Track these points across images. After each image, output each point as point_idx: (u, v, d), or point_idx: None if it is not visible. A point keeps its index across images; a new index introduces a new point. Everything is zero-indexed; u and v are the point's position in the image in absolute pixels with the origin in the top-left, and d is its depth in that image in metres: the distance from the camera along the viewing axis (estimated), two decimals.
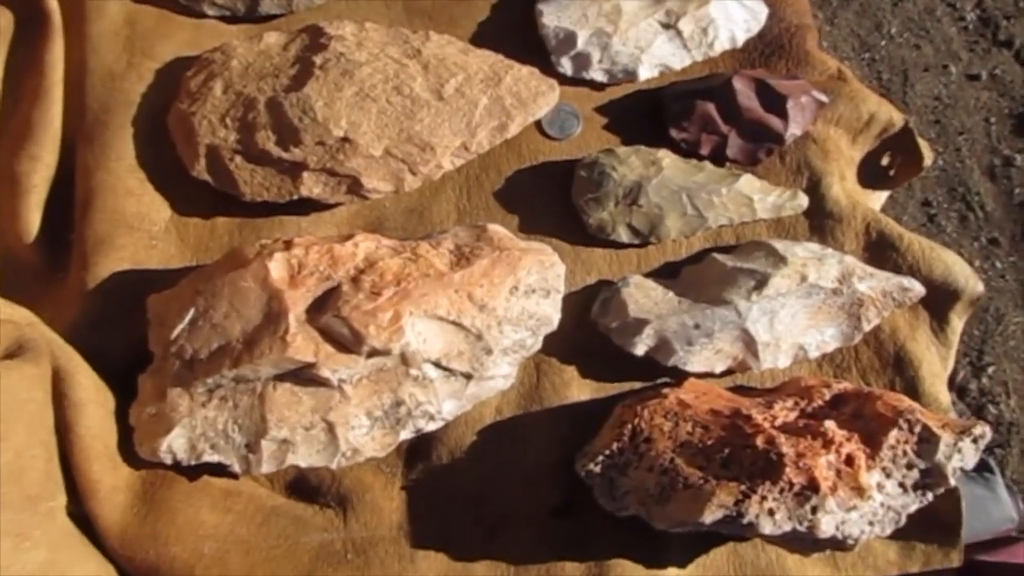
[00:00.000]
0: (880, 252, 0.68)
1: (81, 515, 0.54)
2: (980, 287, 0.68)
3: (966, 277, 0.68)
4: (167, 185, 0.65)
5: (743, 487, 0.53)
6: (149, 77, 0.67)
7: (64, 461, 0.53)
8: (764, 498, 0.53)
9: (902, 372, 0.67)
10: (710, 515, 0.52)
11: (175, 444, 0.54)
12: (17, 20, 0.67)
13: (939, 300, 0.68)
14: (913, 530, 0.58)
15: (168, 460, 0.54)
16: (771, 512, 0.52)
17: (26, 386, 0.50)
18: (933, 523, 0.62)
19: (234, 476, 0.57)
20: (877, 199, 0.75)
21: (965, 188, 1.36)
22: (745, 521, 0.52)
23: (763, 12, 0.74)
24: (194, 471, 0.57)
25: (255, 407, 0.54)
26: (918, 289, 0.65)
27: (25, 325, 0.54)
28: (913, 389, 0.66)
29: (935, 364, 0.67)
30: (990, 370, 1.26)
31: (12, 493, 0.48)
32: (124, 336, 0.60)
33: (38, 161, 0.63)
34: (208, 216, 0.65)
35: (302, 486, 0.60)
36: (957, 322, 0.68)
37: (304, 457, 0.55)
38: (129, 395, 0.57)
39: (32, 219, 0.63)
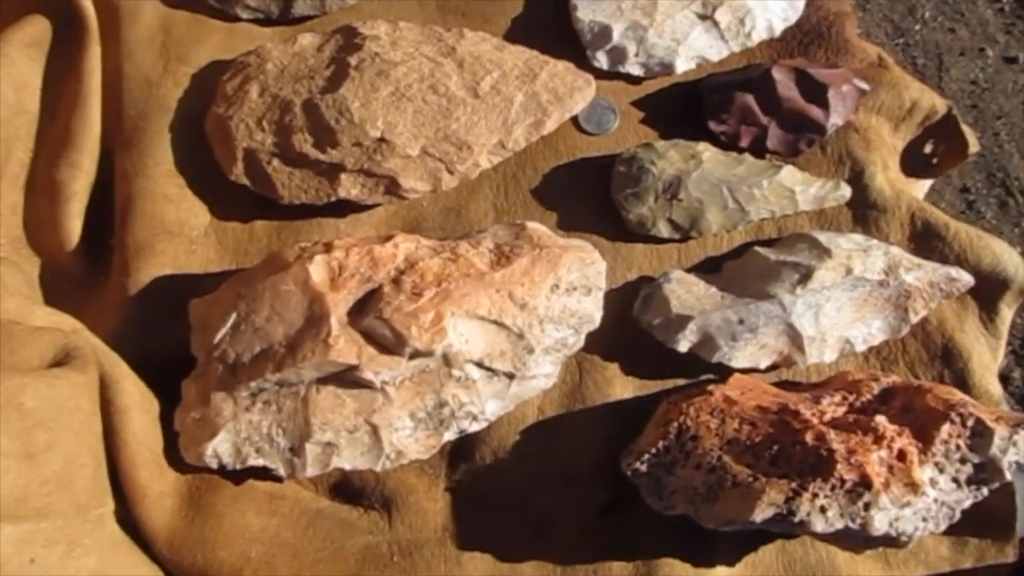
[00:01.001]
0: (926, 242, 0.67)
1: (129, 520, 0.54)
2: None
3: (1016, 266, 0.66)
4: (205, 189, 0.65)
5: (793, 484, 0.52)
6: (185, 82, 0.67)
7: (111, 467, 0.54)
8: (815, 495, 0.52)
9: (951, 364, 0.65)
10: (760, 513, 0.52)
11: (220, 448, 0.54)
12: (54, 28, 0.67)
13: (988, 290, 0.66)
14: (965, 525, 0.56)
15: (213, 464, 0.54)
16: (823, 510, 0.52)
17: (74, 394, 0.51)
18: (986, 517, 0.61)
19: (278, 479, 0.58)
20: (921, 188, 0.73)
21: (1004, 173, 1.33)
22: (796, 519, 0.51)
23: (800, 1, 0.73)
24: (239, 475, 0.57)
25: (299, 410, 0.54)
26: (966, 279, 0.64)
27: (71, 332, 0.55)
28: (963, 382, 0.65)
29: (985, 356, 0.66)
30: None
31: (62, 501, 0.49)
32: (166, 341, 0.60)
33: (78, 169, 0.63)
34: (247, 219, 0.65)
35: (346, 489, 0.60)
36: (1007, 312, 0.67)
37: (348, 460, 0.55)
38: (173, 400, 0.57)
39: (73, 227, 0.63)
